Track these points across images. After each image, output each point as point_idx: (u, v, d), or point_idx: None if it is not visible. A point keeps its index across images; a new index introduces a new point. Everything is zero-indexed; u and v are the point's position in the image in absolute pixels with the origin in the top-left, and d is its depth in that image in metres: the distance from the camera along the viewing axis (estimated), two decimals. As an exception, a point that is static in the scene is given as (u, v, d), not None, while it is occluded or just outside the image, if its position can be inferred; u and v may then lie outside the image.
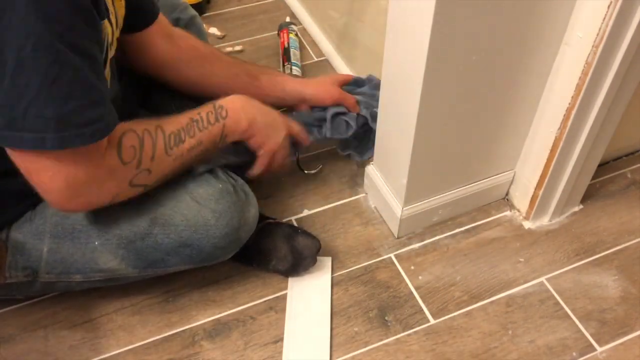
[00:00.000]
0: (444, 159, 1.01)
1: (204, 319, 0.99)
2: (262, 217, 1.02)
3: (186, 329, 0.98)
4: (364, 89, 1.16)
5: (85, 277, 0.90)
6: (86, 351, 0.95)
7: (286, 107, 1.14)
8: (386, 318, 1.00)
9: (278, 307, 1.01)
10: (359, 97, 1.13)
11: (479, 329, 0.98)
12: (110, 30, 0.83)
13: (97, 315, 0.99)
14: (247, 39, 1.59)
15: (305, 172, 1.19)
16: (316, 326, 0.98)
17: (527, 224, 1.14)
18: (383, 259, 1.08)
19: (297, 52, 1.48)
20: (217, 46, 1.54)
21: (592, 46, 0.84)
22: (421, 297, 1.02)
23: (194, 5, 1.54)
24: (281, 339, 0.97)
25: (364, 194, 1.19)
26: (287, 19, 1.60)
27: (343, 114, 1.11)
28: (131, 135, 0.78)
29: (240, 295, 1.02)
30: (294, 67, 1.42)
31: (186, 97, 1.08)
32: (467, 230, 1.13)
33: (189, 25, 1.13)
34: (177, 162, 0.85)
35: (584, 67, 0.87)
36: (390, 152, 1.04)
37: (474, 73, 0.87)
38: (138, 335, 0.97)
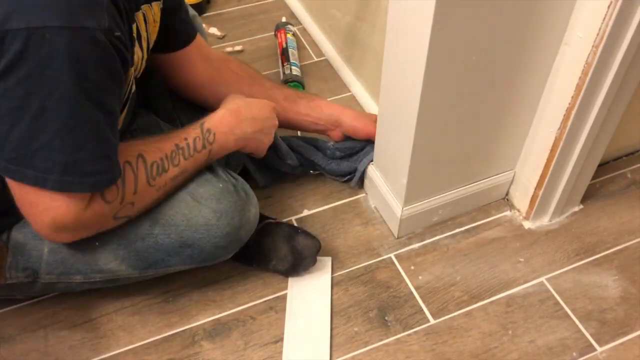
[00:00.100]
0: (444, 159, 1.01)
1: (204, 319, 0.99)
2: (262, 217, 1.02)
3: (186, 329, 0.98)
4: None
5: (86, 278, 0.90)
6: (86, 351, 0.95)
7: (319, 131, 1.16)
8: (386, 318, 1.00)
9: (278, 307, 1.01)
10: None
11: (479, 329, 0.98)
12: (141, 54, 0.85)
13: (97, 315, 0.99)
14: (247, 39, 1.59)
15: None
16: (316, 326, 0.98)
17: (527, 224, 1.14)
18: (383, 259, 1.08)
19: (295, 52, 1.48)
20: (217, 46, 1.54)
21: (592, 46, 0.84)
22: (421, 297, 1.02)
23: (194, 5, 1.55)
24: (281, 339, 0.97)
25: (364, 194, 1.19)
26: (283, 19, 1.60)
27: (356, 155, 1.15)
28: None
29: (240, 295, 1.02)
30: (293, 67, 1.42)
31: (184, 99, 1.09)
32: (467, 230, 1.13)
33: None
34: (160, 192, 0.85)
35: (584, 67, 0.87)
36: (390, 152, 1.04)
37: (474, 73, 0.87)
38: (138, 336, 0.97)
